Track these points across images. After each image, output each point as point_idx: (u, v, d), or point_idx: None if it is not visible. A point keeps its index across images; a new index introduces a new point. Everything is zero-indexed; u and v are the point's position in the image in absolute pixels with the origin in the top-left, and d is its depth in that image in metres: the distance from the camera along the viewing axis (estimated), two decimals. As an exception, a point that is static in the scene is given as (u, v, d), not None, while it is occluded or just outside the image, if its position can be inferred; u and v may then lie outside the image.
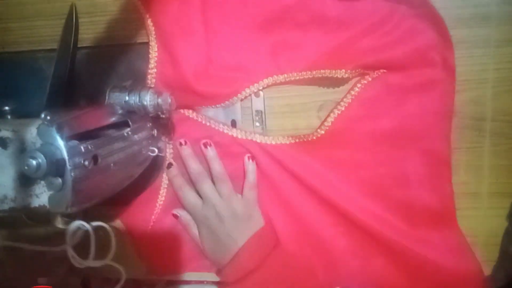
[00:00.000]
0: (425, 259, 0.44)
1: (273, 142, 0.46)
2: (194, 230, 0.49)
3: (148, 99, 0.42)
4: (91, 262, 0.44)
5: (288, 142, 0.46)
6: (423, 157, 0.44)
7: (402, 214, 0.45)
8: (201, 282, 0.51)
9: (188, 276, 0.51)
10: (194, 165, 0.47)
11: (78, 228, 0.44)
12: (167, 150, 0.49)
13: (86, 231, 0.44)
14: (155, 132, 0.46)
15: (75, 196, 0.35)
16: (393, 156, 0.45)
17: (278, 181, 0.47)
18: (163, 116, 0.47)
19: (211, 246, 0.48)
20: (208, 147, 0.47)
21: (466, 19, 0.43)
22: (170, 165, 0.49)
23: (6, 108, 0.47)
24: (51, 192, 0.35)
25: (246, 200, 0.47)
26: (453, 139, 0.45)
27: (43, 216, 0.43)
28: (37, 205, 0.37)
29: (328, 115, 0.46)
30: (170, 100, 0.43)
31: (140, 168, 0.46)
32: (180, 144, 0.48)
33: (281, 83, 0.46)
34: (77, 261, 0.45)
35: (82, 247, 0.45)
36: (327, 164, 0.45)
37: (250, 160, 0.47)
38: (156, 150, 0.46)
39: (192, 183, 0.48)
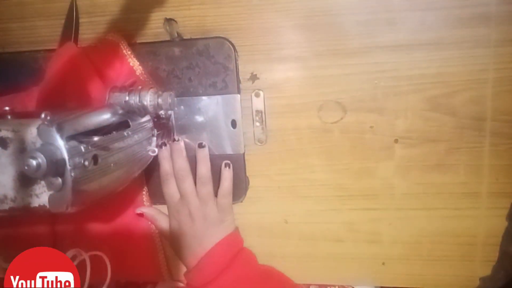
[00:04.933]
0: None
1: None
2: (161, 224, 0.49)
3: (148, 99, 0.42)
4: None
5: None
6: None
7: None
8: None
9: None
10: (180, 162, 0.47)
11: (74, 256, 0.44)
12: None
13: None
14: (155, 132, 0.47)
15: (75, 196, 0.35)
16: None
17: None
18: (163, 116, 0.47)
19: (178, 241, 0.48)
20: (201, 148, 0.48)
21: (466, 19, 0.43)
22: (163, 144, 0.48)
23: (6, 108, 0.47)
24: (51, 192, 0.35)
25: (220, 206, 0.48)
26: (453, 140, 0.45)
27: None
28: (37, 205, 0.36)
29: None
30: (170, 100, 0.43)
31: (140, 168, 0.46)
32: (174, 140, 0.48)
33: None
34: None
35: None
36: None
37: (227, 168, 0.48)
38: (156, 150, 0.46)
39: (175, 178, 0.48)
